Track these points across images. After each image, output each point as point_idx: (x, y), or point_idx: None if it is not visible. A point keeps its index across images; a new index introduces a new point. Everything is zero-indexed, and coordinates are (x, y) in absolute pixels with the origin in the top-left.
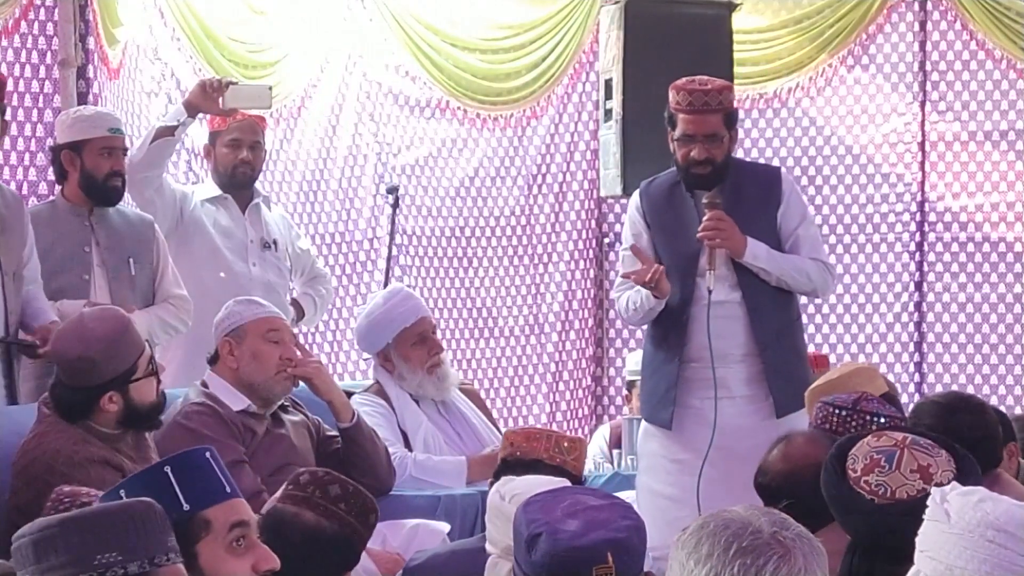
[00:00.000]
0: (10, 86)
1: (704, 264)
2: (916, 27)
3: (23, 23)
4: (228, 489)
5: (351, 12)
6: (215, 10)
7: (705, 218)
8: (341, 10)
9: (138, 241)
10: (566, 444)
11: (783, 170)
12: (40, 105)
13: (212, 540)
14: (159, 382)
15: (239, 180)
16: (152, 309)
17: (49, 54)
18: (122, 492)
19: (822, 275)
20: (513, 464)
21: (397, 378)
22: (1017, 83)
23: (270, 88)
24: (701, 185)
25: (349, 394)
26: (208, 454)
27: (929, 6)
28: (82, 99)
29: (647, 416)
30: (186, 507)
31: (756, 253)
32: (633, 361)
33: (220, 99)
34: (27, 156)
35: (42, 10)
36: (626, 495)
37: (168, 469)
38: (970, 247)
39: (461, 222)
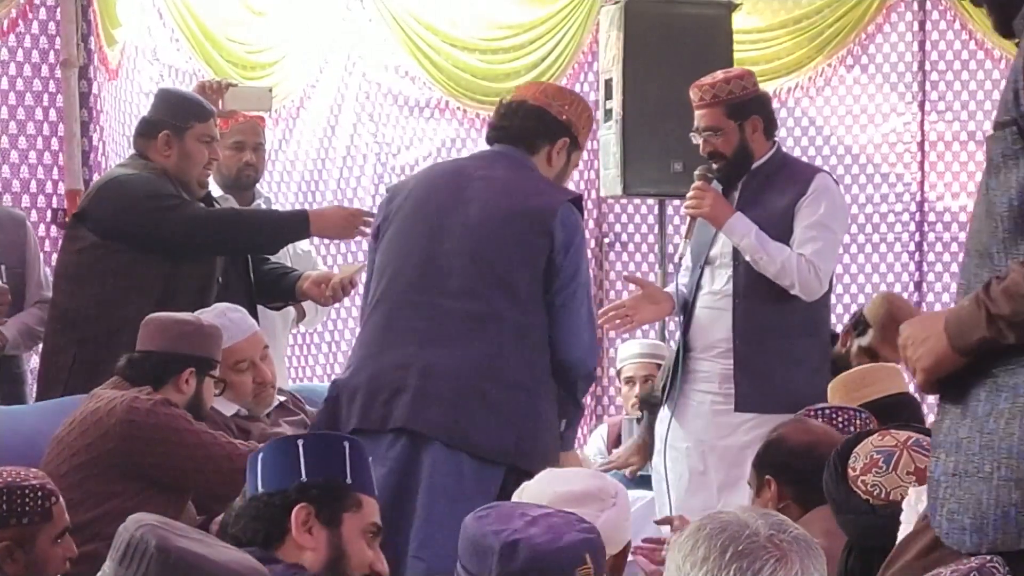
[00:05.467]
0: (13, 86)
1: (713, 253)
2: (915, 27)
3: (21, 23)
4: (376, 493)
5: (350, 12)
6: (214, 11)
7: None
8: (340, 10)
9: (6, 244)
10: (553, 90)
11: (824, 173)
12: (44, 104)
13: (357, 520)
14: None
15: (244, 182)
16: (19, 316)
17: (52, 54)
18: (300, 442)
19: (804, 273)
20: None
21: None
22: None
23: (270, 90)
24: (724, 179)
25: None
26: (371, 459)
27: (928, 6)
28: (84, 99)
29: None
30: (349, 481)
31: (734, 227)
32: (624, 352)
33: (220, 101)
34: (31, 155)
35: (43, 10)
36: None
37: (346, 445)
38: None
39: None
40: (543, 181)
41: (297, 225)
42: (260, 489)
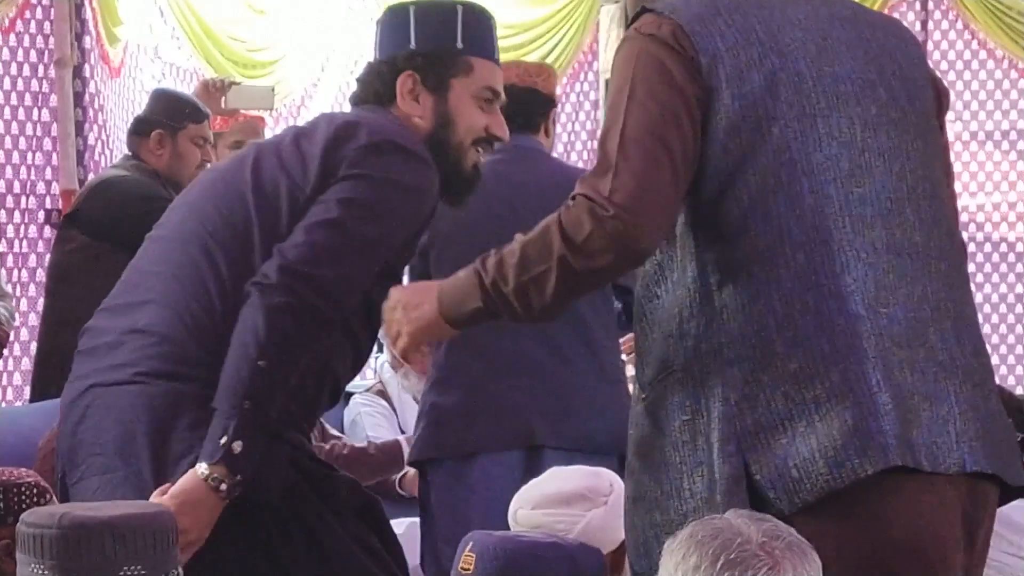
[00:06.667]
0: (7, 85)
1: None
2: (917, 27)
3: (19, 22)
4: (496, 56)
5: (351, 11)
6: (215, 9)
7: None
8: (342, 8)
9: None
10: (533, 68)
11: None
12: (39, 104)
13: (465, 84)
14: None
15: None
16: None
17: (46, 53)
18: (411, 9)
19: None
20: None
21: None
22: (1019, 83)
23: (272, 88)
24: None
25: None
26: (491, 22)
27: (931, 5)
28: (78, 99)
29: None
30: (460, 46)
31: None
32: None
33: (223, 99)
34: (28, 155)
35: (39, 9)
36: None
37: (459, 9)
38: (971, 247)
39: None
40: (568, 168)
41: None
42: (376, 57)
